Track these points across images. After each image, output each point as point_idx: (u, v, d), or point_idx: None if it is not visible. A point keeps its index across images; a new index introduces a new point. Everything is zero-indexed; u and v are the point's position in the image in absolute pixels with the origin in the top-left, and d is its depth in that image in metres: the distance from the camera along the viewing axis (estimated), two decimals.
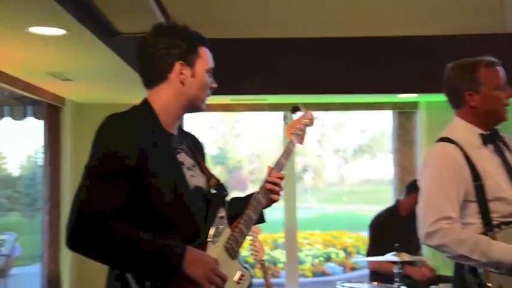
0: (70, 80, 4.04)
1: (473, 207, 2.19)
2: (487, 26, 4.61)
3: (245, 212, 1.73)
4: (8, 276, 7.99)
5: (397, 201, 4.13)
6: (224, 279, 1.55)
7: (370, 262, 4.06)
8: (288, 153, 1.95)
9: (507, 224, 2.14)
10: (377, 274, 3.94)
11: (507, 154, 2.32)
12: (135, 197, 1.51)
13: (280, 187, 1.85)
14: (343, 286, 3.61)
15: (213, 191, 1.73)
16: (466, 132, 2.31)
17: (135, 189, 1.51)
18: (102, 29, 3.12)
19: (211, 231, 1.62)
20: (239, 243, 1.68)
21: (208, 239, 1.61)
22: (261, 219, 1.88)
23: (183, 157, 1.68)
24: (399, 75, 4.53)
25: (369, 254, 4.00)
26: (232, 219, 1.74)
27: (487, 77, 2.26)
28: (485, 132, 2.29)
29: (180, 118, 1.71)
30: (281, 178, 1.86)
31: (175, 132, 1.70)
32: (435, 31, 4.65)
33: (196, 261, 1.50)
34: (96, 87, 4.42)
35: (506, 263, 2.05)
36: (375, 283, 3.76)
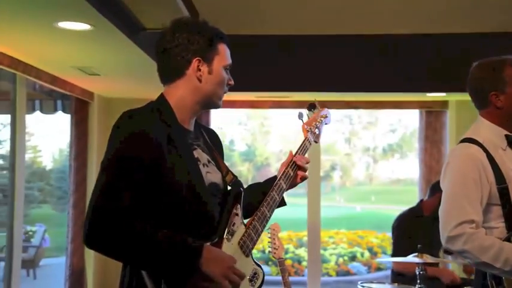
0: (98, 74, 4.11)
1: (497, 210, 2.13)
2: None
3: (260, 208, 1.72)
4: (37, 266, 8.19)
5: (421, 202, 4.06)
6: (242, 277, 1.55)
7: (394, 263, 4.01)
8: (303, 150, 1.94)
9: None
10: (400, 275, 3.89)
11: None
12: (151, 193, 1.51)
13: (305, 170, 1.87)
14: (363, 286, 3.58)
15: (229, 188, 1.72)
16: (491, 133, 2.24)
17: (151, 185, 1.51)
18: (128, 24, 3.16)
19: (227, 228, 1.62)
20: (253, 241, 1.68)
21: (224, 236, 1.60)
22: (282, 203, 1.87)
23: (199, 153, 1.67)
24: (428, 73, 4.46)
25: (393, 255, 3.96)
26: (249, 207, 1.74)
27: None
28: (510, 134, 2.24)
29: (196, 114, 1.71)
30: (306, 162, 1.87)
31: (191, 128, 1.70)
32: (465, 29, 4.56)
33: (213, 259, 1.49)
34: (123, 82, 4.48)
35: None
36: (396, 284, 3.72)
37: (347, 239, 8.97)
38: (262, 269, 1.71)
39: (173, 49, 1.65)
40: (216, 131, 1.93)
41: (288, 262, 7.75)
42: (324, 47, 4.61)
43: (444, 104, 5.01)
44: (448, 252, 3.14)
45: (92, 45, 3.31)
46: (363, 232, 9.65)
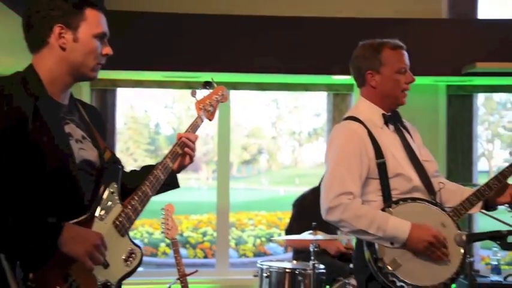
0: None
1: (375, 184, 2.23)
2: (424, 10, 4.71)
3: (140, 187, 1.66)
4: None
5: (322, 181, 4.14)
6: (104, 256, 1.50)
7: (287, 240, 4.10)
8: (194, 128, 1.91)
9: (404, 200, 2.19)
10: (301, 252, 3.96)
11: (407, 135, 2.36)
12: (13, 167, 1.43)
13: (193, 149, 1.83)
14: (262, 265, 3.63)
15: (107, 165, 1.66)
16: (370, 112, 2.34)
17: (13, 156, 1.43)
18: None
19: (100, 206, 1.57)
20: (131, 220, 1.63)
21: (95, 215, 1.55)
22: (174, 184, 1.85)
23: (71, 128, 1.60)
24: (333, 56, 4.52)
25: (287, 232, 4.03)
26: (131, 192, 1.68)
27: (389, 59, 2.29)
28: (387, 113, 2.33)
29: (68, 86, 1.62)
30: (193, 140, 1.84)
31: (65, 101, 1.61)
32: (371, 14, 4.68)
33: (75, 237, 1.44)
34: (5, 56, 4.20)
35: (400, 238, 2.10)
36: (294, 261, 3.80)
37: (266, 221, 9.11)
38: (140, 249, 1.67)
39: (34, 15, 1.55)
40: (96, 109, 1.87)
41: (206, 245, 7.77)
42: (229, 27, 4.59)
43: (350, 87, 5.12)
44: None
45: None
46: (283, 213, 9.81)
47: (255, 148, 17.70)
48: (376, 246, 2.14)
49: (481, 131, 15.03)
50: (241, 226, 8.73)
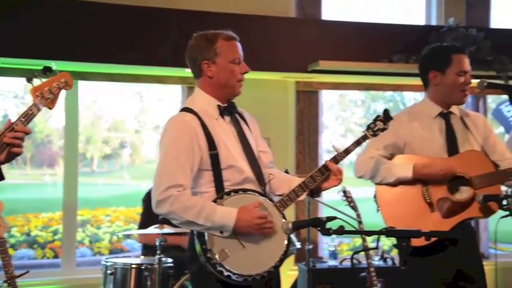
0: None
1: (208, 175, 2.26)
2: (274, 9, 4.89)
3: None
4: None
5: None
6: None
7: (139, 236, 4.05)
8: (28, 117, 1.80)
9: (236, 191, 2.24)
10: (151, 247, 3.91)
11: (244, 127, 2.41)
12: None
13: (21, 140, 1.76)
14: (107, 261, 3.52)
15: None
16: (205, 103, 2.37)
17: None
18: None
19: None
20: None
21: None
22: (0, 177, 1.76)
23: None
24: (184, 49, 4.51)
25: (140, 227, 3.97)
26: None
27: (224, 49, 2.34)
28: (222, 104, 2.37)
29: None
30: (25, 132, 1.77)
31: None
32: (224, 9, 4.74)
33: None
34: None
35: (228, 226, 2.14)
36: (143, 257, 3.74)
37: (124, 217, 8.86)
38: None
39: None
40: None
41: (57, 244, 7.34)
42: (78, 14, 4.38)
43: None
44: None
45: None
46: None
47: (117, 142, 17.13)
48: (206, 237, 2.17)
49: (336, 127, 16.03)
50: (97, 223, 8.41)
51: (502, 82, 4.60)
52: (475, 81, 2.73)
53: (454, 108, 2.83)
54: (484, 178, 2.64)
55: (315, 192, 2.40)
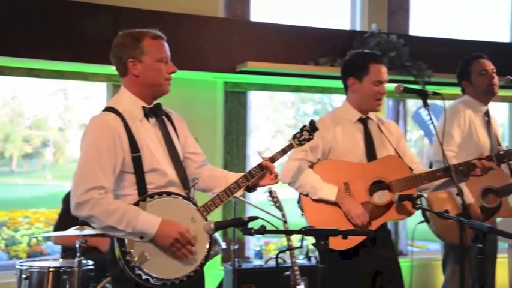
0: None
1: (131, 178, 2.21)
2: (202, 8, 4.87)
3: None
4: None
5: None
6: None
7: (56, 238, 3.92)
8: None
9: (160, 194, 2.21)
10: (70, 250, 3.78)
11: (170, 129, 2.38)
12: None
13: None
14: (22, 265, 3.37)
15: None
16: (129, 103, 2.32)
17: None
18: None
19: None
20: None
21: None
22: None
23: None
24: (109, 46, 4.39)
25: (56, 229, 3.84)
26: None
27: (150, 48, 2.31)
28: (148, 106, 2.33)
29: None
30: None
31: None
32: (151, 6, 4.66)
33: None
34: None
35: (148, 233, 2.10)
36: (61, 260, 3.62)
37: (45, 218, 8.49)
38: None
39: None
40: None
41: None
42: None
43: None
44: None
45: None
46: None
47: (39, 140, 16.42)
48: (126, 240, 2.12)
49: (266, 128, 16.21)
50: (14, 225, 8.01)
51: (419, 87, 4.83)
52: (393, 85, 2.85)
53: (371, 114, 2.96)
54: (402, 182, 2.80)
55: (251, 188, 2.42)
